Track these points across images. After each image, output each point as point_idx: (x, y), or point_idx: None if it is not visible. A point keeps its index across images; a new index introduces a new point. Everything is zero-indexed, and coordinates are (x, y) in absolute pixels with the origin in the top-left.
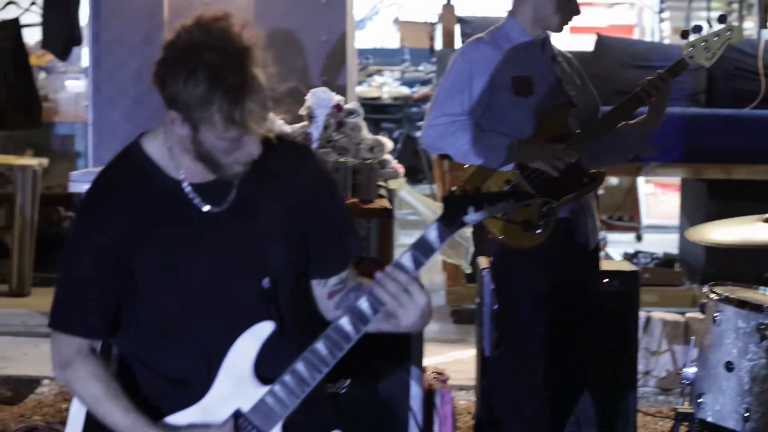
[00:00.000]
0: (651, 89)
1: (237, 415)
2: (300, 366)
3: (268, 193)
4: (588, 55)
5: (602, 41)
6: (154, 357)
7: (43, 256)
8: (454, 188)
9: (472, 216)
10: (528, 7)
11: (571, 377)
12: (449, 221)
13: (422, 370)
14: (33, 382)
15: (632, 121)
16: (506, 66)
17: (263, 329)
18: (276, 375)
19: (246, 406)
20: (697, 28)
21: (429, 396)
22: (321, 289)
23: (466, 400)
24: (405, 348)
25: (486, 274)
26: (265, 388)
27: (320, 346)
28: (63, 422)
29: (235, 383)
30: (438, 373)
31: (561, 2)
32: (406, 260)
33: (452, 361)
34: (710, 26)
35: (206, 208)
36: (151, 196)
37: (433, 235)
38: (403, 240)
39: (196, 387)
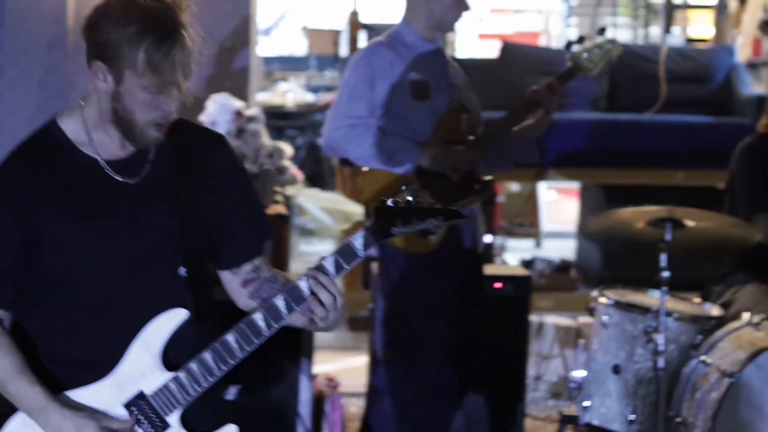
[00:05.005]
0: (540, 97)
1: (139, 397)
2: (208, 356)
3: (182, 174)
4: (494, 62)
5: (508, 48)
6: (60, 336)
7: None
8: (386, 199)
9: (400, 229)
10: (422, 11)
11: (462, 381)
12: (377, 231)
13: (312, 376)
14: None
15: (517, 127)
16: (405, 70)
17: (175, 316)
18: (184, 362)
19: (149, 390)
20: (581, 39)
21: (319, 402)
22: (234, 277)
23: (358, 407)
24: (295, 354)
25: (379, 279)
26: (171, 374)
27: (230, 338)
28: None
29: (142, 367)
30: (329, 380)
31: (454, 1)
32: (329, 264)
33: (346, 368)
34: (600, 35)
35: (120, 179)
36: (65, 171)
37: (359, 242)
38: (303, 248)
39: (102, 369)
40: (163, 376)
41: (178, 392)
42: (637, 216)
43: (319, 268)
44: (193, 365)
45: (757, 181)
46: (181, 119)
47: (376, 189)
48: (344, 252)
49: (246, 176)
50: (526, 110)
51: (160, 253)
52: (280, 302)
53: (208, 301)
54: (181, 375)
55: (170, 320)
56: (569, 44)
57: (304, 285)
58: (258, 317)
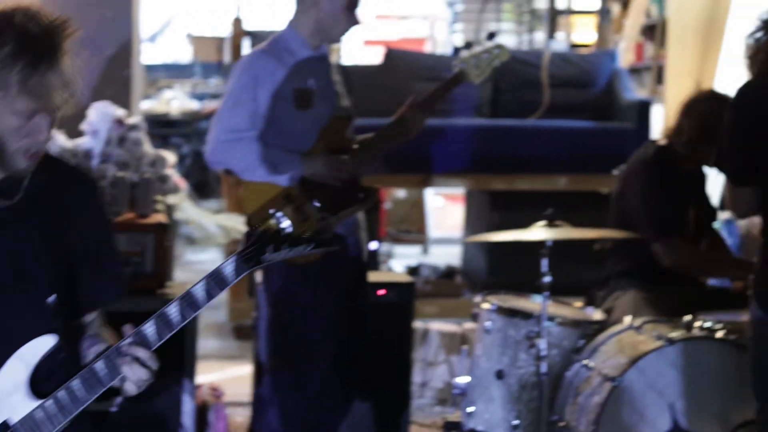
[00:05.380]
0: (409, 122)
1: (3, 427)
2: (76, 384)
3: (52, 206)
4: (377, 68)
5: (391, 54)
6: None
7: None
8: (257, 225)
9: (271, 255)
10: (309, 18)
11: (347, 389)
12: (248, 257)
13: (196, 386)
14: None
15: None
16: (288, 78)
17: (43, 343)
18: (52, 390)
19: (15, 419)
20: (469, 45)
21: (202, 412)
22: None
23: (243, 416)
24: (178, 364)
25: (262, 287)
26: (37, 403)
27: (99, 366)
28: None
29: (7, 395)
30: (213, 389)
31: (344, 14)
32: (199, 290)
33: (231, 377)
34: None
35: None
36: None
37: (229, 269)
38: (189, 257)
39: None
40: (30, 405)
41: (44, 421)
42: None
43: (188, 295)
44: (61, 393)
45: (661, 202)
46: (59, 159)
47: (259, 200)
48: (215, 278)
49: (108, 229)
50: (399, 128)
51: (29, 279)
52: (101, 368)
53: (80, 327)
54: (48, 403)
55: (38, 347)
56: (457, 50)
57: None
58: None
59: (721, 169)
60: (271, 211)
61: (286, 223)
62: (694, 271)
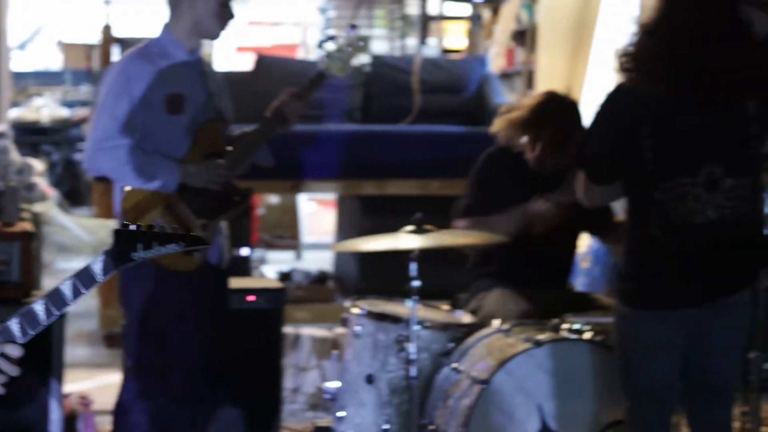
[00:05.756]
0: (287, 112)
1: None
2: None
3: None
4: (249, 75)
5: (262, 60)
6: None
7: None
8: (128, 222)
9: (141, 254)
10: (185, 17)
11: (217, 395)
12: (116, 256)
13: (64, 395)
14: None
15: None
16: (159, 83)
17: None
18: None
19: None
20: (332, 38)
21: (71, 421)
22: None
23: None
24: (44, 372)
25: (129, 294)
26: None
27: None
28: None
29: None
30: (81, 398)
31: (219, 8)
32: (66, 288)
33: (101, 385)
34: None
35: None
36: None
37: (97, 267)
38: (61, 265)
39: None
40: None
41: None
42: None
43: (55, 292)
44: None
45: (476, 189)
46: None
47: (133, 206)
48: (83, 276)
49: None
50: (280, 119)
51: None
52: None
53: None
54: None
55: None
56: (320, 43)
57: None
58: None
59: (582, 166)
60: (154, 219)
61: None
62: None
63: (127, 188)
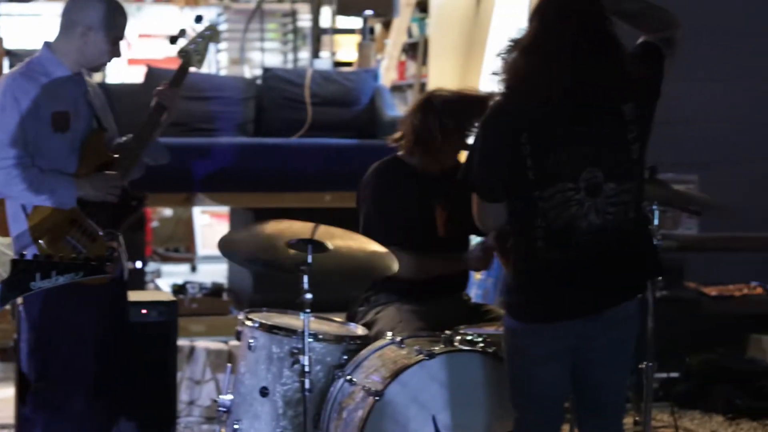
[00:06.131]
0: (163, 98)
1: None
2: None
3: None
4: (139, 87)
5: (152, 72)
6: None
7: None
8: (26, 252)
9: (40, 283)
10: (73, 45)
11: (113, 409)
12: (15, 285)
13: None
14: None
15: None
16: (45, 99)
17: None
18: None
19: None
20: (183, 32)
21: None
22: None
23: None
24: None
25: (23, 308)
26: None
27: None
28: None
29: None
30: None
31: (109, 47)
32: None
33: None
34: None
35: None
36: None
37: None
38: None
39: None
40: None
41: None
42: (277, 237)
43: None
44: None
45: (388, 211)
46: None
47: (37, 224)
48: None
49: None
50: (157, 117)
51: None
52: None
53: None
54: None
55: None
56: (173, 39)
57: None
58: None
59: (470, 185)
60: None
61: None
62: (422, 276)
63: (34, 205)
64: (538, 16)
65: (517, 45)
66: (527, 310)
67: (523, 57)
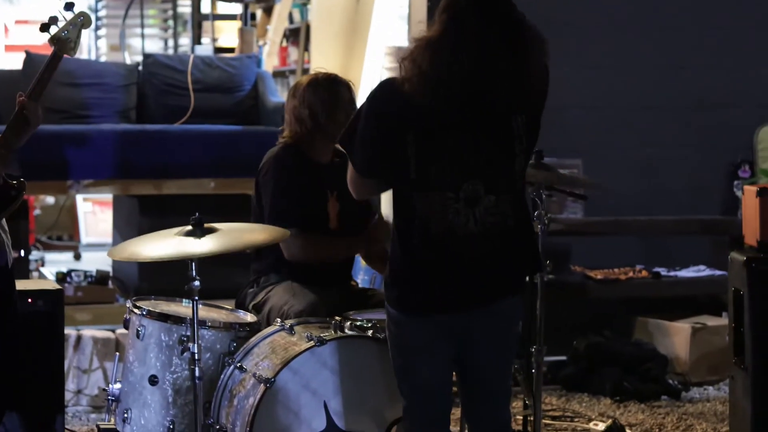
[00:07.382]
0: (26, 111)
1: None
2: None
3: None
4: (18, 73)
5: (31, 59)
6: None
7: None
8: None
9: None
10: None
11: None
12: None
13: None
14: None
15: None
16: None
17: None
18: None
19: None
20: (54, 19)
21: None
22: None
23: None
24: None
25: None
26: None
27: None
28: None
29: None
30: None
31: None
32: None
33: None
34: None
35: None
36: None
37: None
38: None
39: None
40: None
41: None
42: (167, 232)
43: None
44: None
45: (276, 196)
46: None
47: None
48: None
49: None
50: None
51: None
52: None
53: None
54: None
55: None
56: (44, 27)
57: None
58: None
59: (348, 155)
60: None
61: None
62: (317, 260)
63: None
64: (450, 10)
65: (422, 40)
66: (403, 301)
67: (428, 50)
